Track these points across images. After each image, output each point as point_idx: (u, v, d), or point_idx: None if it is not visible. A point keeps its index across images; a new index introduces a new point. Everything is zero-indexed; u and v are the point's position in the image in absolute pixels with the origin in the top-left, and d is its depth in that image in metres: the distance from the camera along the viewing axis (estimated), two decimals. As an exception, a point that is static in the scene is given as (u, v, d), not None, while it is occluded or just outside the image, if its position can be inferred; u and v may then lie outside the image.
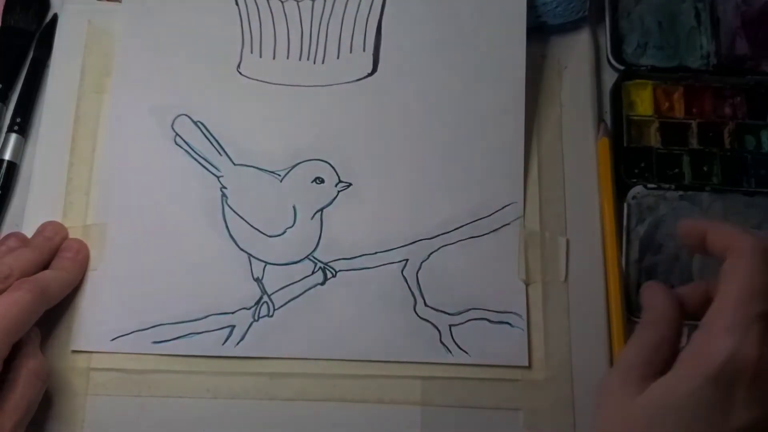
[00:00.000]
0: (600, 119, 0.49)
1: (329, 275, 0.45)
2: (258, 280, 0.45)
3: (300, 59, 0.48)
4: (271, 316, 0.44)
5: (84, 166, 0.47)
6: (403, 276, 0.45)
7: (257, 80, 0.48)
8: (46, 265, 0.43)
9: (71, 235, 0.45)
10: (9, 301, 0.39)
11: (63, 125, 0.48)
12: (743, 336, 0.30)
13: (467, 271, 0.45)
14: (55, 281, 0.42)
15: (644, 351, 0.33)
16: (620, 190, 0.48)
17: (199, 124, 0.47)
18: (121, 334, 0.44)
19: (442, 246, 0.46)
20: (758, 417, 0.30)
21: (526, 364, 0.44)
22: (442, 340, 0.44)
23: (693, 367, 0.31)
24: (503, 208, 0.46)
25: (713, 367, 0.30)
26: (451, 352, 0.44)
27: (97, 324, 0.44)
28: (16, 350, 0.39)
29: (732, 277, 0.32)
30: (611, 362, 0.45)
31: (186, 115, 0.47)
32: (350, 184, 0.46)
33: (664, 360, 0.33)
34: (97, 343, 0.44)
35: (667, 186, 0.47)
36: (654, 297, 0.37)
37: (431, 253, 0.45)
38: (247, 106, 0.47)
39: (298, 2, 0.49)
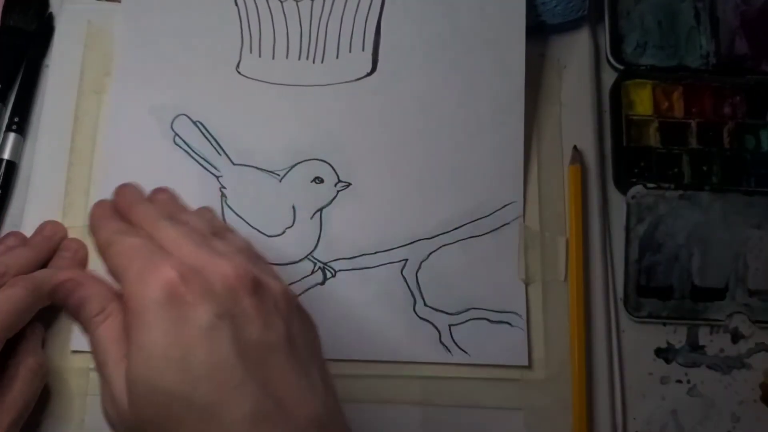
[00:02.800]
0: (573, 146, 0.48)
1: (329, 275, 0.45)
2: (257, 280, 0.45)
3: (299, 59, 0.48)
4: (271, 316, 0.44)
5: (83, 166, 0.47)
6: (403, 276, 0.45)
7: (257, 80, 0.48)
8: (44, 265, 0.43)
9: (71, 235, 0.45)
10: (2, 297, 0.39)
11: (62, 125, 0.48)
12: (150, 268, 0.30)
13: (467, 270, 0.45)
14: (51, 280, 0.42)
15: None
16: (620, 189, 0.48)
17: (198, 123, 0.47)
18: (120, 334, 0.44)
19: (442, 246, 0.46)
20: (219, 310, 0.30)
21: (526, 363, 0.44)
22: (442, 340, 0.44)
23: (137, 323, 0.30)
24: (503, 207, 0.46)
25: (148, 309, 0.29)
26: (450, 352, 0.44)
27: (96, 324, 0.44)
28: (14, 347, 0.40)
29: (110, 258, 0.33)
30: (611, 362, 0.45)
31: (185, 114, 0.47)
32: (350, 184, 0.46)
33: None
34: (97, 343, 0.44)
35: (667, 185, 0.47)
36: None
37: (431, 253, 0.45)
38: (247, 105, 0.47)
39: (297, 2, 0.49)
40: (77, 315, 0.34)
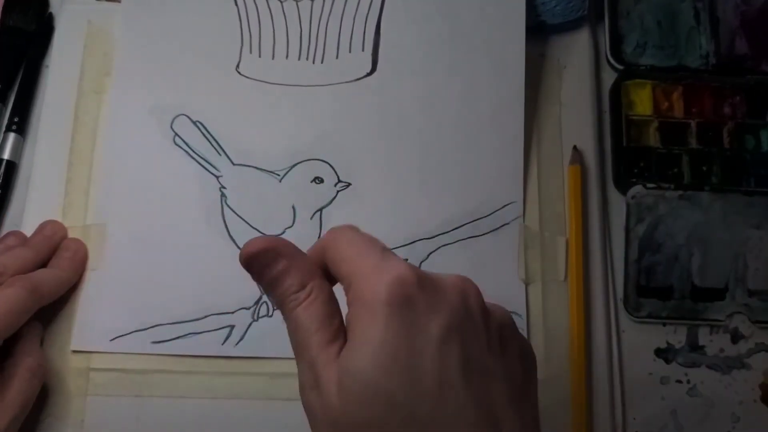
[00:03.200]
0: (573, 146, 0.48)
1: (329, 275, 0.45)
2: (257, 280, 0.45)
3: (299, 59, 0.48)
4: (271, 315, 0.44)
5: (83, 166, 0.47)
6: (403, 276, 0.45)
7: (256, 80, 0.48)
8: (43, 264, 0.43)
9: (71, 235, 0.45)
10: (1, 297, 0.39)
11: (62, 125, 0.48)
12: (386, 265, 0.29)
13: (466, 270, 0.44)
14: (50, 280, 0.42)
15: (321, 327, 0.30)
16: (620, 189, 0.48)
17: (198, 123, 0.47)
18: (120, 334, 0.44)
19: (442, 246, 0.46)
20: (447, 317, 0.28)
21: (526, 363, 0.44)
22: (442, 339, 0.44)
23: (368, 318, 0.28)
24: (503, 207, 0.46)
25: (380, 302, 0.28)
26: (450, 352, 0.44)
27: (96, 324, 0.44)
28: (12, 346, 0.40)
29: (338, 252, 0.31)
30: (611, 362, 0.45)
31: (185, 115, 0.47)
32: (349, 184, 0.46)
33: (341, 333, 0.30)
34: (97, 343, 0.44)
35: (667, 186, 0.47)
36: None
37: (430, 253, 0.45)
38: (247, 105, 0.47)
39: (297, 2, 0.49)
40: (273, 289, 0.31)
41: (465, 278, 0.31)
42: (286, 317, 0.31)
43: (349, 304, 0.29)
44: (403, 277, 0.28)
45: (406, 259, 0.45)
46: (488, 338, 0.30)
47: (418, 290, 0.28)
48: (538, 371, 0.44)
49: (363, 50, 0.48)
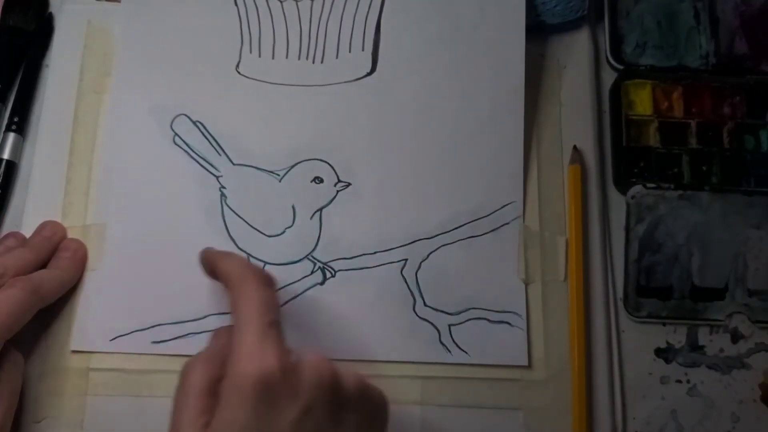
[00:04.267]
0: (573, 146, 0.48)
1: (328, 275, 0.45)
2: (257, 280, 0.45)
3: (299, 59, 0.48)
4: (271, 315, 0.44)
5: (83, 166, 0.47)
6: (403, 276, 0.45)
7: (256, 80, 0.48)
8: (43, 265, 0.43)
9: (70, 235, 0.45)
10: (1, 298, 0.39)
11: (62, 125, 0.48)
12: (260, 351, 0.33)
13: (467, 270, 0.45)
14: (50, 280, 0.42)
15: (198, 400, 0.34)
16: (620, 189, 0.48)
17: (198, 123, 0.47)
18: (120, 334, 0.44)
19: (442, 245, 0.46)
20: (302, 404, 0.33)
21: (526, 363, 0.44)
22: (442, 339, 0.44)
23: (232, 394, 0.33)
24: (502, 207, 0.46)
25: (247, 386, 0.32)
26: (450, 352, 0.44)
27: (96, 324, 0.44)
28: None
29: (237, 304, 0.35)
30: (611, 362, 0.45)
31: (185, 114, 0.47)
32: (349, 184, 0.46)
33: (213, 406, 0.34)
34: (97, 343, 0.44)
35: (667, 186, 0.48)
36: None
37: (430, 253, 0.45)
38: (246, 105, 0.47)
39: (297, 2, 0.49)
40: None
41: (321, 360, 0.34)
42: (185, 368, 0.36)
43: (228, 369, 0.33)
44: (268, 369, 0.32)
45: (406, 260, 0.45)
46: (338, 411, 0.34)
47: (281, 380, 0.32)
48: (538, 371, 0.44)
49: (363, 50, 0.48)
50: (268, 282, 0.37)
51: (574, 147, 0.48)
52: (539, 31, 0.50)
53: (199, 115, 0.47)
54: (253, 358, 0.33)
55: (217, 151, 0.47)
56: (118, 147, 0.47)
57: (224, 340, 0.36)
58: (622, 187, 0.48)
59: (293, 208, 0.46)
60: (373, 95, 0.48)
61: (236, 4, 0.49)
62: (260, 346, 0.33)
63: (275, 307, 0.36)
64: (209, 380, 0.34)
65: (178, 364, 0.43)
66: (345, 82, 0.48)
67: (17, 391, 0.40)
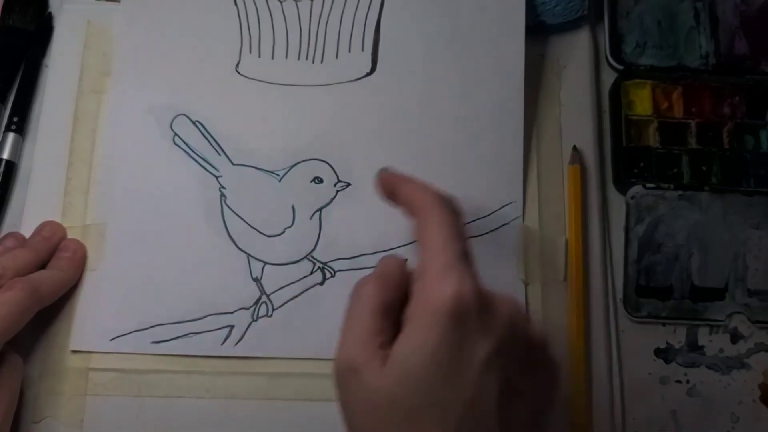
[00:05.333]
0: (573, 146, 0.48)
1: (328, 275, 0.45)
2: (257, 280, 0.45)
3: (299, 59, 0.48)
4: (270, 316, 0.44)
5: (83, 166, 0.47)
6: (403, 276, 0.45)
7: (256, 80, 0.48)
8: (43, 265, 0.43)
9: (70, 235, 0.45)
10: (0, 299, 0.39)
11: (62, 125, 0.47)
12: (456, 275, 0.31)
13: (466, 270, 0.45)
14: (50, 281, 0.42)
15: (373, 320, 0.33)
16: (619, 190, 0.48)
17: (197, 123, 0.47)
18: (120, 334, 0.44)
19: (442, 246, 0.46)
20: (494, 342, 0.31)
21: (526, 363, 0.44)
22: (442, 339, 0.44)
23: (423, 317, 0.31)
24: (502, 207, 0.46)
25: (442, 311, 0.31)
26: (450, 352, 0.44)
27: (96, 324, 0.44)
28: None
29: (425, 230, 0.34)
30: (610, 362, 0.45)
31: (185, 114, 0.47)
32: (349, 184, 0.46)
33: (394, 323, 0.33)
34: (96, 343, 0.44)
35: (666, 186, 0.48)
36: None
37: (430, 253, 0.45)
38: (246, 105, 0.47)
39: (296, 2, 0.49)
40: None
41: (516, 304, 0.33)
42: (357, 287, 0.34)
43: (414, 293, 0.32)
44: (465, 295, 0.31)
45: (406, 260, 0.45)
46: (525, 363, 0.32)
47: (476, 311, 0.31)
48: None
49: (363, 50, 0.48)
50: (456, 210, 0.35)
51: (574, 147, 0.48)
52: (539, 31, 0.50)
53: (199, 115, 0.47)
54: (449, 282, 0.31)
55: (217, 151, 0.47)
56: (117, 147, 0.47)
57: (394, 267, 0.35)
58: (622, 187, 0.48)
59: (293, 208, 0.46)
60: (373, 95, 0.48)
61: (236, 4, 0.49)
62: (454, 272, 0.31)
63: (465, 237, 0.34)
64: (383, 301, 0.33)
65: (178, 364, 0.44)
66: (345, 82, 0.48)
67: (16, 392, 0.40)
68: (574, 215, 0.46)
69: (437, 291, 0.31)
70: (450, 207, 0.35)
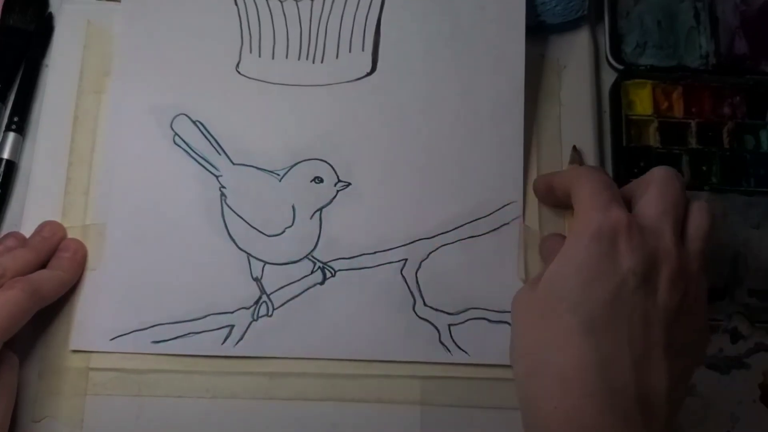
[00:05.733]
0: (572, 146, 0.48)
1: (328, 275, 0.45)
2: (257, 280, 0.45)
3: (299, 59, 0.48)
4: (270, 315, 0.44)
5: (83, 166, 0.47)
6: (403, 275, 0.45)
7: (256, 80, 0.48)
8: (43, 265, 0.43)
9: (70, 235, 0.45)
10: (1, 300, 0.39)
11: (62, 125, 0.47)
12: (608, 206, 0.36)
13: (466, 270, 0.45)
14: (50, 280, 0.42)
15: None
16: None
17: (198, 123, 0.47)
18: (120, 334, 0.44)
19: (442, 245, 0.46)
20: (640, 260, 0.35)
21: (526, 363, 0.44)
22: (442, 339, 0.44)
23: (576, 236, 0.37)
24: (502, 207, 0.46)
25: (593, 228, 0.36)
26: (450, 352, 0.44)
27: (96, 324, 0.44)
28: None
29: (580, 186, 0.39)
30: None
31: (185, 114, 0.47)
32: (349, 184, 0.46)
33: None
34: (96, 343, 0.44)
35: (667, 185, 0.47)
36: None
37: (430, 253, 0.45)
38: (246, 105, 0.47)
39: (297, 2, 0.49)
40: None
41: (669, 244, 0.36)
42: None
43: (568, 232, 0.39)
44: (614, 221, 0.36)
45: (406, 260, 0.45)
46: (670, 289, 0.36)
47: (625, 235, 0.36)
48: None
49: (363, 50, 0.48)
50: (602, 170, 0.40)
51: (574, 147, 0.48)
52: (539, 31, 0.50)
53: (199, 115, 0.47)
54: (594, 214, 0.36)
55: (217, 151, 0.47)
56: (118, 147, 0.47)
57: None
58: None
59: (293, 207, 0.46)
60: (373, 95, 0.48)
61: (236, 4, 0.49)
62: (606, 206, 0.36)
63: (613, 188, 0.38)
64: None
65: (178, 364, 0.44)
66: (345, 82, 0.48)
67: (14, 391, 0.41)
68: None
69: (586, 219, 0.36)
70: (595, 168, 0.41)
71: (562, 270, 0.36)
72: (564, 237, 0.42)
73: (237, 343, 0.44)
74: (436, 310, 0.45)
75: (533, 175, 0.47)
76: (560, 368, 0.35)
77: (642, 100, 0.50)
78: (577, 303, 0.35)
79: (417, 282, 0.45)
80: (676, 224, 0.37)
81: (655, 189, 0.38)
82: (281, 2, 0.49)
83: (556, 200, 0.44)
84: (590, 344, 0.35)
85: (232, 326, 0.44)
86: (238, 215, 0.46)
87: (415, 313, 0.44)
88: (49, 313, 0.43)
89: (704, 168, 0.49)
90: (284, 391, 0.43)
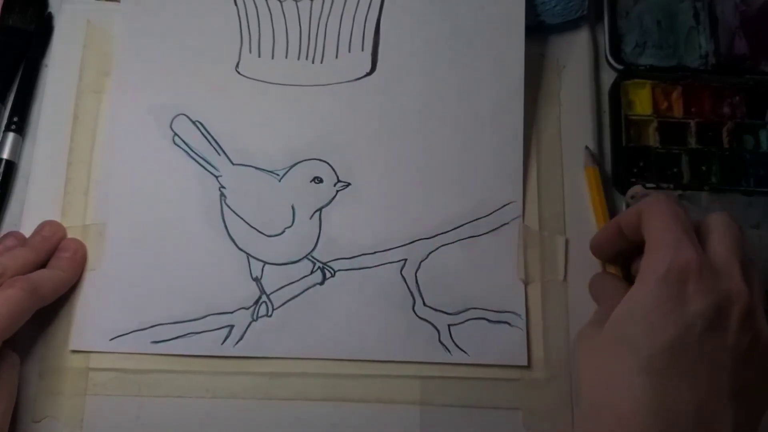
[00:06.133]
0: (585, 147, 0.48)
1: (328, 275, 0.45)
2: (257, 280, 0.45)
3: (299, 59, 0.48)
4: (270, 315, 0.44)
5: (83, 166, 0.47)
6: (402, 276, 0.45)
7: (256, 80, 0.48)
8: (43, 265, 0.43)
9: (70, 235, 0.45)
10: (1, 298, 0.39)
11: (62, 125, 0.48)
12: (678, 245, 0.35)
13: (466, 270, 0.45)
14: (49, 280, 0.42)
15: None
16: (619, 189, 0.48)
17: (197, 123, 0.47)
18: (120, 334, 0.44)
19: (441, 245, 0.46)
20: (710, 303, 0.34)
21: (526, 363, 0.44)
22: (441, 339, 0.44)
23: (645, 276, 0.36)
24: (502, 207, 0.46)
25: (662, 270, 0.35)
26: (450, 352, 0.44)
27: (96, 324, 0.44)
28: None
29: (651, 220, 0.38)
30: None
31: (184, 114, 0.47)
32: (349, 184, 0.46)
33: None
34: (96, 343, 0.44)
35: (666, 185, 0.48)
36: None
37: (430, 253, 0.45)
38: (246, 105, 0.47)
39: (296, 2, 0.49)
40: None
41: (741, 285, 0.35)
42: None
43: (640, 268, 0.37)
44: (684, 262, 0.35)
45: (405, 260, 0.45)
46: (741, 330, 0.35)
47: (695, 276, 0.35)
48: (538, 371, 0.44)
49: (363, 50, 0.48)
50: (674, 200, 0.39)
51: (586, 147, 0.48)
52: (539, 31, 0.50)
53: (199, 115, 0.47)
54: (670, 251, 0.35)
55: (217, 151, 0.47)
56: (117, 147, 0.47)
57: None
58: (622, 186, 0.48)
59: (293, 208, 0.46)
60: (373, 95, 0.48)
61: (236, 4, 0.49)
62: (678, 244, 0.35)
63: (686, 218, 0.37)
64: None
65: (177, 364, 0.44)
66: (345, 82, 0.48)
67: (14, 391, 0.41)
68: (602, 217, 0.46)
69: (656, 259, 0.36)
70: (665, 197, 0.39)
71: (629, 313, 0.36)
72: (616, 276, 0.44)
73: (237, 343, 0.44)
74: (436, 310, 0.45)
75: (533, 175, 0.47)
76: (618, 410, 0.34)
77: (641, 100, 0.50)
78: (640, 346, 0.35)
79: (417, 282, 0.45)
80: (743, 265, 0.36)
81: (723, 229, 0.37)
82: (281, 2, 0.49)
83: (624, 243, 0.41)
84: (649, 387, 0.34)
85: (232, 326, 0.44)
86: (237, 215, 0.46)
87: (415, 313, 0.44)
88: (49, 313, 0.43)
89: (704, 168, 0.49)
90: (284, 391, 0.43)
